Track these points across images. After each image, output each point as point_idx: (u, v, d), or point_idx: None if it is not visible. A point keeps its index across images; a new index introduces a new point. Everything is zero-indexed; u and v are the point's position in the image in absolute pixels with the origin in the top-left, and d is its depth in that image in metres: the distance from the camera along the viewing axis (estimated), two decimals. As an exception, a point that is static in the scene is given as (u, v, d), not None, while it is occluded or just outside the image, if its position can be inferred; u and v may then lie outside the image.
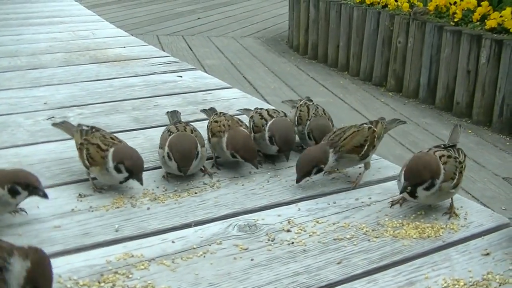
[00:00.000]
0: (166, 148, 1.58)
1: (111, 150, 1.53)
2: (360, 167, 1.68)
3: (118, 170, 1.51)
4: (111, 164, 1.51)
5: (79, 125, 1.68)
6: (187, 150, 1.57)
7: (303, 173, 1.57)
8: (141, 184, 1.53)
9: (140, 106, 2.30)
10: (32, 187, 1.33)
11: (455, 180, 1.43)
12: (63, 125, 1.77)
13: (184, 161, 1.56)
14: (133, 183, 1.58)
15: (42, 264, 1.03)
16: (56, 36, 3.66)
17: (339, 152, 1.58)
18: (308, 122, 1.79)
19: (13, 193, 1.31)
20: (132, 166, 1.51)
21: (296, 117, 1.85)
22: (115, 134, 1.65)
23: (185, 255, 1.27)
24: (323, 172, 1.61)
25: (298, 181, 1.58)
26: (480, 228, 1.40)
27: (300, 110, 1.85)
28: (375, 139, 1.66)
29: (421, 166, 1.39)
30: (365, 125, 1.69)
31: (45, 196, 1.35)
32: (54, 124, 1.80)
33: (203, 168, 1.68)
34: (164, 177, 1.64)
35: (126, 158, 1.51)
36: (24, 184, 1.32)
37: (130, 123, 2.12)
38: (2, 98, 2.37)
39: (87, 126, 1.66)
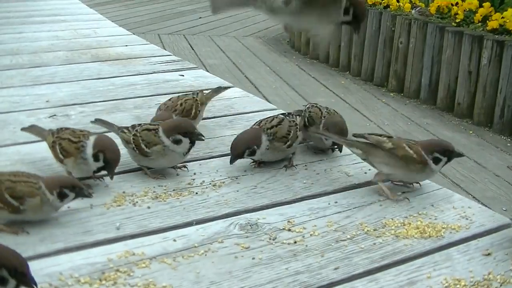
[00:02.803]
0: (170, 136, 1.60)
1: (92, 138, 1.55)
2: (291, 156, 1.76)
3: (96, 159, 1.52)
4: (90, 151, 1.52)
5: (50, 129, 1.67)
6: (188, 121, 1.67)
7: (236, 153, 1.64)
8: (111, 178, 1.55)
9: (142, 104, 2.30)
10: (78, 188, 1.38)
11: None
12: (33, 129, 1.75)
13: (192, 128, 1.61)
14: (132, 182, 1.59)
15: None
16: (58, 34, 3.66)
17: (271, 138, 1.67)
18: (323, 120, 1.79)
19: (62, 196, 1.36)
20: (110, 157, 1.53)
21: (306, 118, 1.83)
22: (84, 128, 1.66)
23: (186, 253, 1.27)
24: (256, 160, 1.69)
25: (231, 161, 1.65)
26: (481, 229, 1.40)
27: (310, 111, 1.84)
28: (298, 131, 1.76)
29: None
30: (281, 115, 1.78)
31: (89, 195, 1.41)
32: (23, 129, 1.77)
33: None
34: (155, 176, 1.63)
35: (107, 148, 1.53)
36: (70, 187, 1.37)
37: (131, 121, 2.11)
38: (3, 96, 2.37)
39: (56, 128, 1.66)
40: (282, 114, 1.82)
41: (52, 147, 1.60)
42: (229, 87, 2.22)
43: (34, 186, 1.34)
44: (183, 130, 1.60)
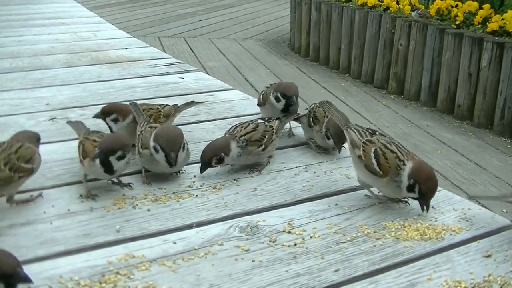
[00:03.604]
0: (152, 142, 1.58)
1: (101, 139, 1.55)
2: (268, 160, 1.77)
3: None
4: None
5: (88, 129, 1.69)
6: (173, 136, 1.59)
7: (204, 162, 1.64)
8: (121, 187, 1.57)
9: (142, 107, 2.30)
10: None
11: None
12: (76, 125, 1.77)
13: (171, 146, 1.56)
14: (132, 184, 1.59)
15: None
16: (58, 37, 3.66)
17: (242, 144, 1.67)
18: (325, 121, 1.79)
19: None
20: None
21: (311, 118, 1.84)
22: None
23: (186, 256, 1.27)
24: (226, 163, 1.68)
25: (201, 171, 1.65)
26: (481, 230, 1.40)
27: (315, 111, 1.85)
28: (274, 134, 1.77)
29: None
30: (260, 121, 1.79)
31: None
32: (68, 122, 1.82)
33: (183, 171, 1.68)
34: (144, 181, 1.62)
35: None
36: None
37: (131, 124, 2.12)
38: (4, 99, 2.38)
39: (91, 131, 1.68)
40: (261, 119, 1.84)
41: (78, 147, 1.59)
42: (202, 102, 2.20)
43: None
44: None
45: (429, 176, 1.42)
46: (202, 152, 1.65)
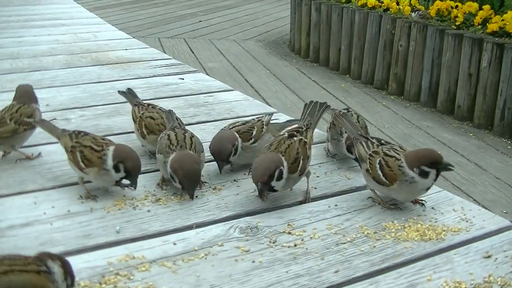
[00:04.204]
0: (169, 169, 1.53)
1: (111, 148, 1.52)
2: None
3: (117, 169, 1.50)
4: (110, 162, 1.50)
5: (63, 130, 1.65)
6: (193, 174, 1.52)
7: (224, 157, 1.63)
8: (134, 187, 1.53)
9: (142, 108, 2.30)
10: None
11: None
12: (44, 124, 1.73)
13: (192, 186, 1.52)
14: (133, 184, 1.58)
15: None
16: (58, 38, 3.66)
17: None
18: (346, 134, 1.71)
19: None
20: (131, 167, 1.51)
21: (330, 123, 1.81)
22: (107, 137, 1.63)
23: (186, 256, 1.27)
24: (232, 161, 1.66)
25: (220, 170, 1.64)
26: (481, 231, 1.40)
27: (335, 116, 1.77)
28: (264, 126, 1.75)
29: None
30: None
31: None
32: (34, 122, 1.76)
33: None
34: (159, 184, 1.61)
35: (126, 158, 1.51)
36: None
37: (132, 125, 2.11)
38: (4, 100, 2.36)
39: (72, 131, 1.64)
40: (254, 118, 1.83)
41: (71, 152, 1.56)
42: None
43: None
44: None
45: (425, 152, 1.46)
46: (218, 150, 1.63)
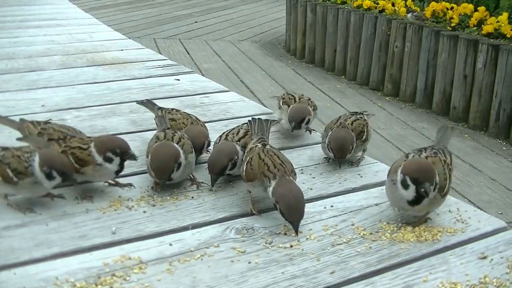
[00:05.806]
0: (148, 158, 1.56)
1: (92, 144, 1.52)
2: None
3: (109, 160, 1.51)
4: (98, 158, 1.50)
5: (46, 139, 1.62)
6: (163, 162, 1.52)
7: (218, 171, 1.58)
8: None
9: (138, 109, 2.29)
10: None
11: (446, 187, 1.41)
12: (29, 140, 1.65)
13: (160, 174, 1.53)
14: (132, 184, 1.58)
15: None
16: (54, 38, 3.65)
17: (241, 148, 1.62)
18: (330, 132, 1.74)
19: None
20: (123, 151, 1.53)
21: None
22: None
23: (182, 257, 1.27)
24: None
25: (212, 183, 1.58)
26: (477, 232, 1.40)
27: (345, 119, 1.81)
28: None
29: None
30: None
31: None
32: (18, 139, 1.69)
33: (191, 177, 1.64)
34: (153, 187, 1.59)
35: (110, 149, 1.52)
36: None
37: (127, 125, 2.12)
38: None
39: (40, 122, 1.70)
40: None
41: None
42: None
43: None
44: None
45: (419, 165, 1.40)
46: (212, 163, 1.58)
